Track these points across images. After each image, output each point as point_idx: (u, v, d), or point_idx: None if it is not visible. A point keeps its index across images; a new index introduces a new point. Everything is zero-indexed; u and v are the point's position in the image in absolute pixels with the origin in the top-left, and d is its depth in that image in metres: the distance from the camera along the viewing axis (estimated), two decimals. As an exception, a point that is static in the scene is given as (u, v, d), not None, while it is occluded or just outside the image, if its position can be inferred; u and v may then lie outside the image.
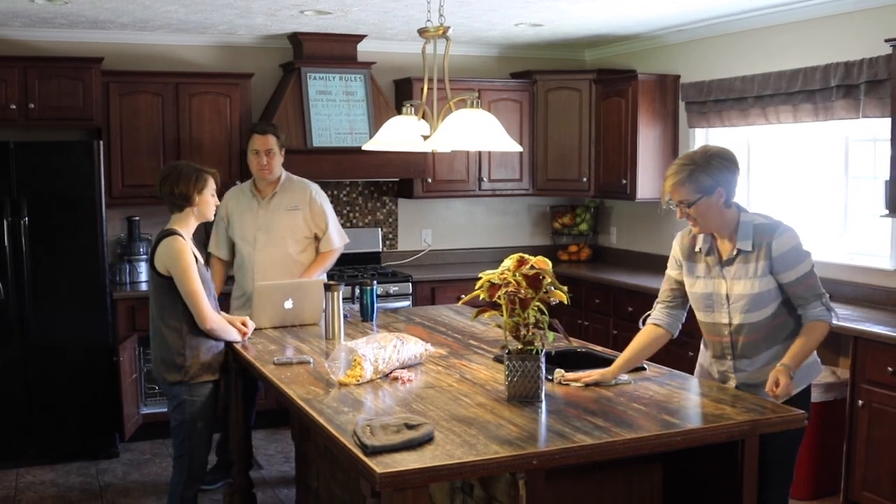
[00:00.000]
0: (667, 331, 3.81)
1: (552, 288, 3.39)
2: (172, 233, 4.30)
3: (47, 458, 6.01)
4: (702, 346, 3.91)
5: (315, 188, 5.60)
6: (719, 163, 3.55)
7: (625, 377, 3.68)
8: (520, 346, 3.41)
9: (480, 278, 3.48)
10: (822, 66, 5.71)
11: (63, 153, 6.00)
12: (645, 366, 3.87)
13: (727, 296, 3.62)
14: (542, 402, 3.40)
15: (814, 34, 5.93)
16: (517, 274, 3.36)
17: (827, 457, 5.22)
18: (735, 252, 3.61)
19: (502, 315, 3.41)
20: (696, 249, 3.71)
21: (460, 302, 3.79)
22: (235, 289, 5.63)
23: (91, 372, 6.07)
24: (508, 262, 3.42)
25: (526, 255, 3.44)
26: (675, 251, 3.83)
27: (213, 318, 4.30)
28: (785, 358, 3.51)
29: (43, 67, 6.24)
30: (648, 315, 3.84)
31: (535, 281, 3.35)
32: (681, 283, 3.80)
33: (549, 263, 3.44)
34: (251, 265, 5.44)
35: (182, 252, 4.24)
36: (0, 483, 5.68)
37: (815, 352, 3.68)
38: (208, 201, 4.41)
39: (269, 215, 5.44)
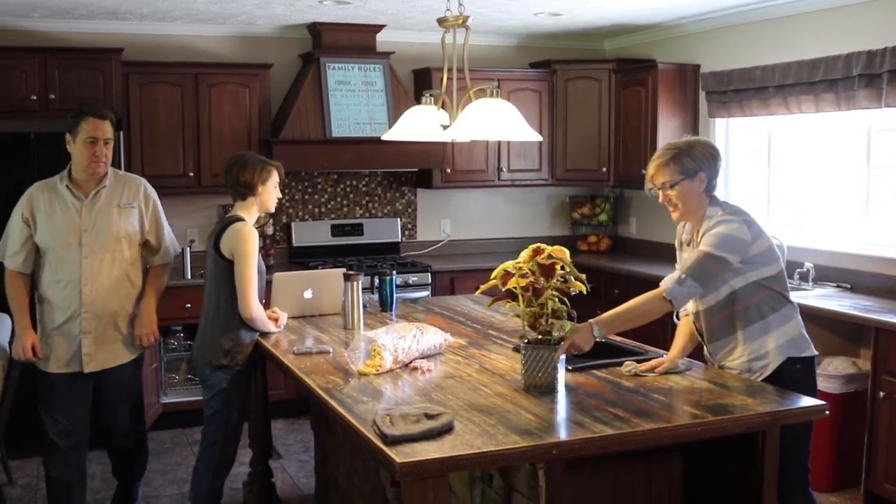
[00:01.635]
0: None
1: (572, 278, 3.39)
2: (240, 219, 4.40)
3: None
4: None
5: (147, 184, 4.69)
6: (702, 149, 3.68)
7: (682, 364, 3.74)
8: (537, 336, 3.41)
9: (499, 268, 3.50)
10: (844, 55, 5.66)
11: (83, 143, 6.01)
12: (664, 355, 3.86)
13: None
14: (557, 392, 3.39)
15: (836, 23, 5.88)
16: (532, 263, 3.37)
17: (848, 449, 5.20)
18: (699, 244, 3.68)
19: (519, 305, 3.42)
20: (682, 239, 3.85)
21: (478, 291, 3.81)
22: (48, 312, 4.50)
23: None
24: (525, 253, 3.44)
25: (543, 245, 3.45)
26: (676, 237, 3.98)
27: (257, 306, 4.36)
28: (598, 317, 3.59)
29: (63, 58, 6.27)
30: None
31: (549, 270, 3.35)
32: None
33: (567, 252, 3.45)
34: (78, 275, 4.42)
35: (250, 237, 4.33)
36: (22, 472, 5.72)
37: (797, 327, 3.70)
38: (271, 192, 4.48)
39: (98, 213, 4.46)
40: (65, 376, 4.48)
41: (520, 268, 3.40)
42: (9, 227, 4.49)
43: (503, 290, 3.47)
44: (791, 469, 3.64)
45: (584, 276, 3.46)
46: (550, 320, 3.39)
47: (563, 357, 3.48)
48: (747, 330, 3.65)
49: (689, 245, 3.81)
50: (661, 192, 3.70)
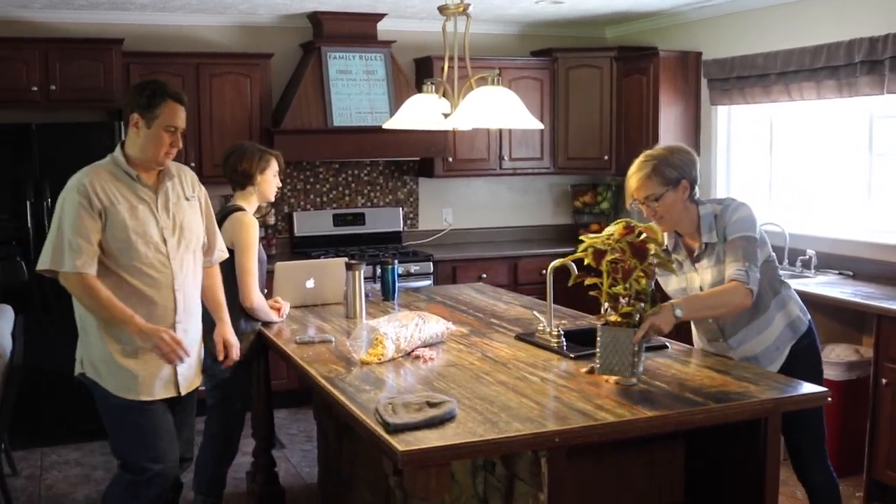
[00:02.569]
0: None
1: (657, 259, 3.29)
2: (240, 208, 4.42)
3: (72, 437, 6.06)
4: (693, 330, 3.96)
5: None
6: (681, 155, 3.62)
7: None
8: (617, 318, 3.26)
9: (583, 242, 3.34)
10: (847, 41, 5.65)
11: (84, 134, 6.03)
12: (667, 344, 3.86)
13: (700, 287, 3.66)
14: (636, 376, 3.28)
15: (838, 9, 5.86)
16: (622, 241, 3.23)
17: (850, 436, 5.20)
18: (704, 247, 3.65)
19: (602, 284, 3.27)
20: (663, 249, 3.69)
21: (562, 261, 3.59)
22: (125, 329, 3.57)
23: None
24: (612, 228, 3.28)
25: (633, 221, 3.28)
26: None
27: (258, 296, 4.38)
28: (680, 301, 3.47)
29: (64, 49, 6.26)
30: None
31: (641, 250, 3.22)
32: None
33: (659, 231, 3.36)
34: (170, 280, 3.67)
35: (250, 227, 4.35)
36: (26, 462, 5.73)
37: (791, 316, 3.73)
38: (270, 181, 4.49)
39: (174, 209, 3.73)
40: (162, 404, 3.69)
41: (610, 245, 3.25)
42: (66, 229, 3.53)
43: (586, 264, 3.32)
44: (808, 448, 3.69)
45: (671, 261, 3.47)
46: (634, 302, 3.26)
47: (643, 345, 3.33)
48: (771, 307, 3.68)
49: (675, 252, 3.73)
50: (644, 206, 3.62)
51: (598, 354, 3.29)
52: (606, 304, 3.30)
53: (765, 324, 3.69)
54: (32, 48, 6.19)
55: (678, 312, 3.34)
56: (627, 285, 3.23)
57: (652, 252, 3.25)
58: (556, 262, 3.72)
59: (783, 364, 3.70)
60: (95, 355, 3.64)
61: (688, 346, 3.90)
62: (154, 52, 6.67)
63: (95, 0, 6.26)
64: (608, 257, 3.23)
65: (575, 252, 3.41)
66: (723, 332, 3.75)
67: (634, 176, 3.61)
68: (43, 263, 3.61)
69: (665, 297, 3.76)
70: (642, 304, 3.27)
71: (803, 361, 3.71)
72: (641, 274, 3.23)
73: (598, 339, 3.28)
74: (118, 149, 3.68)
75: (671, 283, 3.79)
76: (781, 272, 3.86)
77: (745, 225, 3.57)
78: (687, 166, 3.60)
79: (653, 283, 3.37)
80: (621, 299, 3.25)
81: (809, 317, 3.81)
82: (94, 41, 6.40)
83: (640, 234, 3.24)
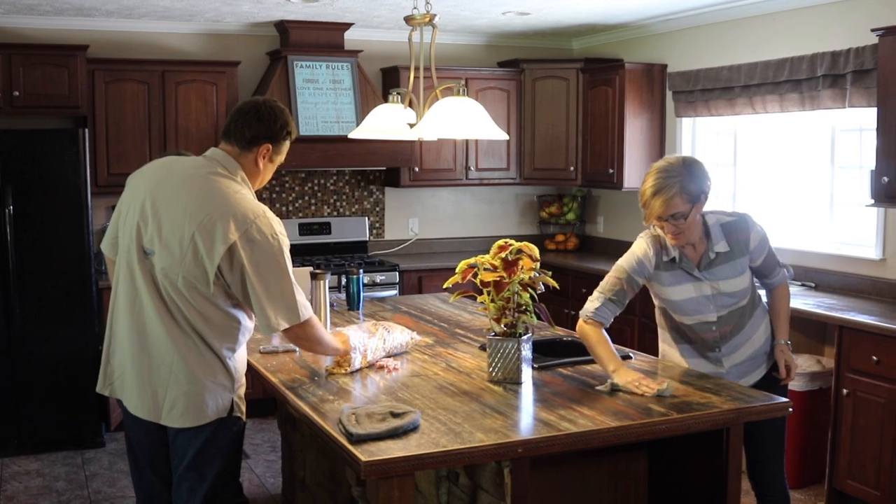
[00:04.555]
0: (605, 328, 3.68)
1: (536, 273, 3.44)
2: None
3: (33, 447, 5.99)
4: (671, 343, 3.89)
5: None
6: (700, 169, 3.57)
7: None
8: (503, 329, 3.47)
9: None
10: (809, 55, 5.72)
11: (48, 141, 5.97)
12: (631, 355, 3.88)
13: (713, 296, 3.66)
14: (521, 384, 3.45)
15: (801, 24, 5.93)
16: (496, 258, 3.44)
17: (812, 446, 5.25)
18: (714, 255, 3.65)
19: (485, 299, 3.49)
20: (669, 258, 3.67)
21: (445, 284, 3.74)
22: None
23: (76, 360, 6.05)
24: (493, 248, 3.51)
25: (511, 241, 3.50)
26: (647, 256, 3.70)
27: None
28: (779, 335, 3.81)
29: (28, 55, 6.20)
30: (593, 310, 3.69)
31: (512, 265, 3.41)
32: (637, 286, 3.73)
33: (535, 249, 3.49)
34: None
35: None
36: (-15, 472, 5.67)
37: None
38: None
39: None
40: None
41: (484, 262, 3.46)
42: (291, 276, 3.38)
43: (462, 282, 3.55)
44: (771, 463, 3.71)
45: (550, 273, 3.52)
46: (515, 314, 3.44)
47: (530, 353, 3.52)
48: (760, 309, 3.82)
49: (676, 262, 3.66)
50: (666, 224, 3.53)
51: (489, 363, 3.52)
52: (492, 318, 3.51)
53: (753, 328, 3.76)
54: (-5, 53, 6.14)
55: (789, 343, 3.86)
56: (508, 298, 3.43)
57: (528, 268, 3.42)
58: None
59: (767, 371, 3.80)
60: (241, 389, 3.33)
61: (652, 356, 3.91)
62: (119, 59, 6.63)
63: (60, 6, 6.22)
64: (483, 276, 3.45)
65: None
66: (723, 339, 3.71)
67: (661, 195, 3.48)
68: (291, 319, 3.24)
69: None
70: (526, 315, 3.47)
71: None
72: (520, 288, 3.41)
73: (488, 350, 3.52)
74: (244, 179, 3.35)
75: (678, 294, 3.69)
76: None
77: (767, 237, 3.77)
78: (705, 180, 3.54)
79: (536, 296, 3.49)
80: (506, 312, 3.46)
81: None
82: (58, 47, 6.35)
83: (516, 251, 3.44)
